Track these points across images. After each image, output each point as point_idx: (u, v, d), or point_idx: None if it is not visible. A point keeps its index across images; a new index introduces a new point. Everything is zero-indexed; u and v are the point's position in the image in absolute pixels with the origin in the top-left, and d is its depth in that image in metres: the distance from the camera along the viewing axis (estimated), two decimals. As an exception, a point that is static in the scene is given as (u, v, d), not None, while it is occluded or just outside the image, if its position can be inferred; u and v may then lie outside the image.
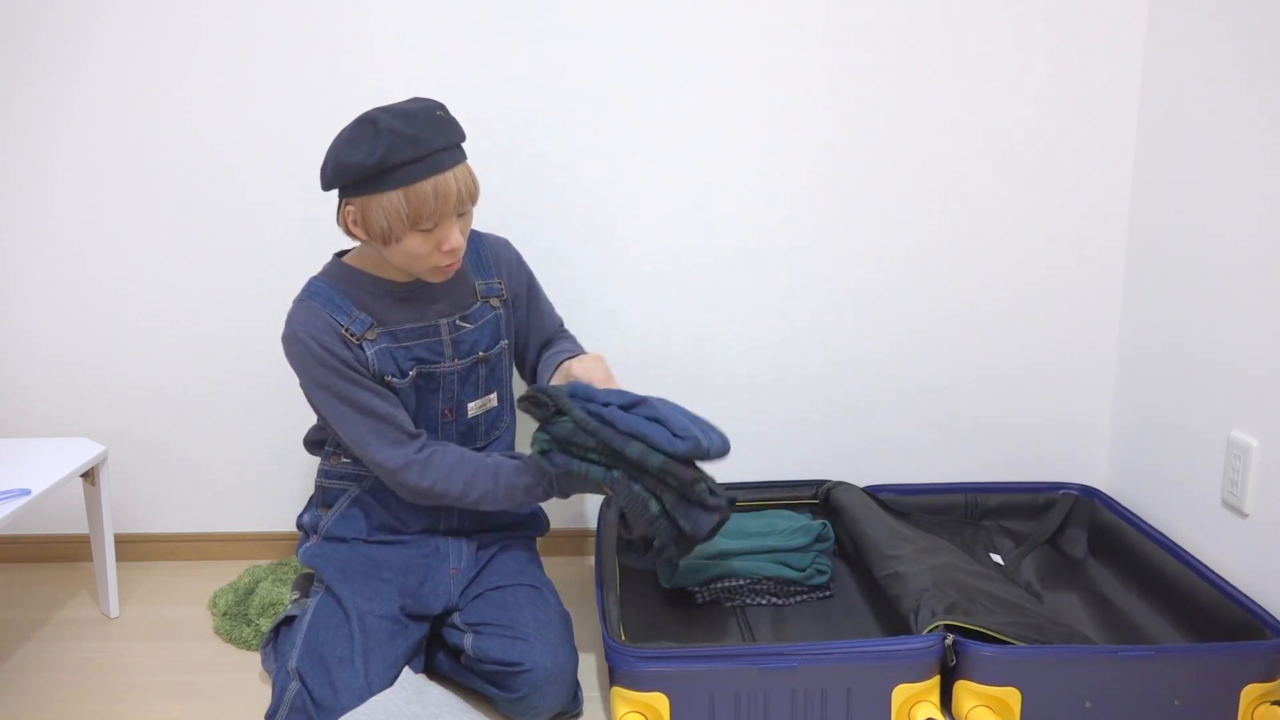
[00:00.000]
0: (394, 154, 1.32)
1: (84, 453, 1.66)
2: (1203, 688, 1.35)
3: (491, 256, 1.60)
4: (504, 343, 1.60)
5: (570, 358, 1.57)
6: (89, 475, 1.67)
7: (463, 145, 1.41)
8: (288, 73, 1.80)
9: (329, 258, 1.86)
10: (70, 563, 1.97)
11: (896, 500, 1.92)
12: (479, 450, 1.58)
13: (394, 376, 1.47)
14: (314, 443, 1.61)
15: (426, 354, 1.50)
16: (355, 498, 1.56)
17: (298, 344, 1.42)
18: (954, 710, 1.39)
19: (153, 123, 1.81)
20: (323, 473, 1.59)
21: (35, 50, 1.78)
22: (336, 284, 1.47)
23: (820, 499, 1.93)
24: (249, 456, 1.94)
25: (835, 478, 2.00)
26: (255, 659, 1.61)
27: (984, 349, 1.96)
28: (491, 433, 1.62)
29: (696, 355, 1.95)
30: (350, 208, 1.38)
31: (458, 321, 1.53)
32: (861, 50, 1.83)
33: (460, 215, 1.40)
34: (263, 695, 1.51)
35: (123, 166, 1.83)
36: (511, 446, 1.68)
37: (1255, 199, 1.54)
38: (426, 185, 1.34)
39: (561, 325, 1.74)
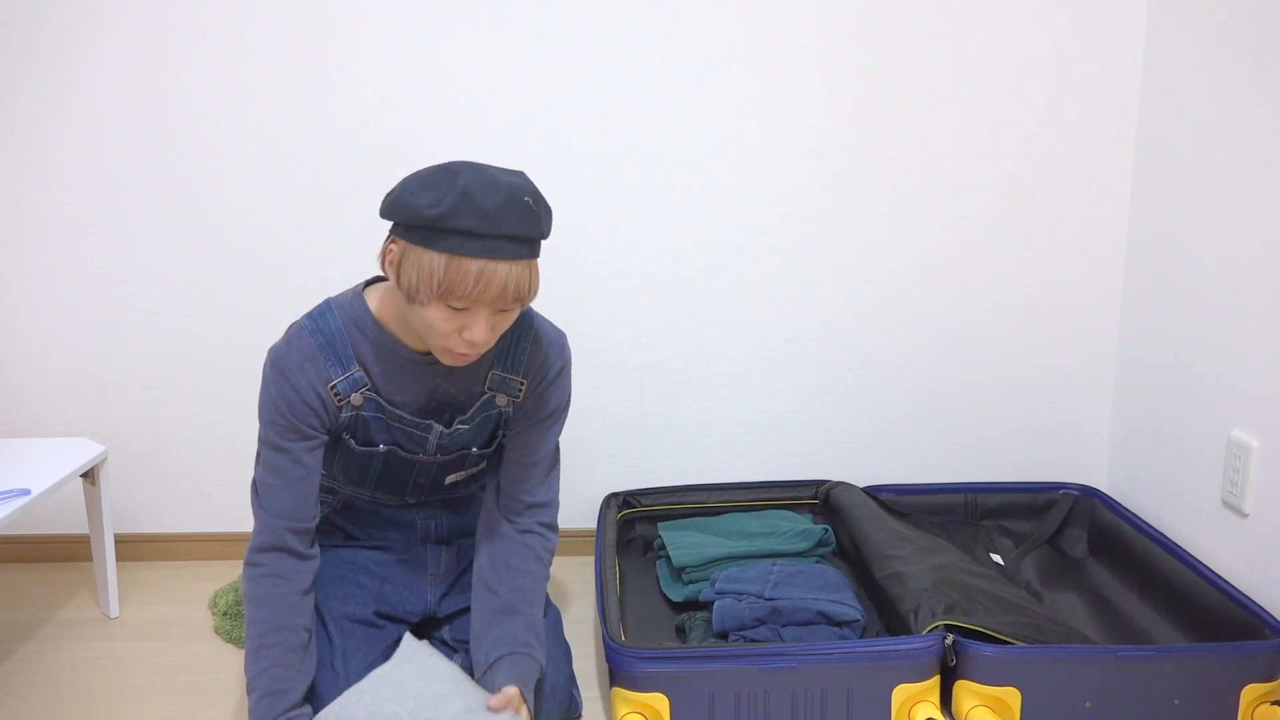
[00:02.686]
0: (456, 218, 1.16)
1: (84, 453, 1.66)
2: (1203, 688, 1.35)
3: (532, 355, 1.39)
4: (500, 441, 1.46)
5: (501, 661, 1.32)
6: (89, 475, 1.67)
7: (538, 242, 1.23)
8: (289, 74, 1.80)
9: (329, 259, 1.87)
10: (70, 563, 1.96)
11: (896, 500, 1.92)
12: (456, 496, 1.52)
13: (355, 441, 1.38)
14: None
15: (405, 442, 1.39)
16: (324, 517, 1.53)
17: (276, 377, 1.31)
18: (954, 710, 1.39)
19: (153, 123, 1.81)
20: None
21: (35, 51, 1.78)
22: (349, 327, 1.33)
23: (820, 499, 1.93)
24: (248, 457, 1.94)
25: (835, 478, 2.00)
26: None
27: (984, 350, 1.96)
28: (470, 485, 1.54)
29: (697, 355, 1.95)
30: (394, 246, 1.23)
31: (456, 425, 1.39)
32: (862, 53, 1.83)
33: (500, 311, 1.24)
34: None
35: (123, 167, 1.83)
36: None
37: (1254, 200, 1.54)
38: (473, 265, 1.17)
39: (546, 506, 1.44)
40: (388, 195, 1.24)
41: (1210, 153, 1.65)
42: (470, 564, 1.53)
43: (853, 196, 1.89)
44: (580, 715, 1.46)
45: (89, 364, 1.90)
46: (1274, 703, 1.37)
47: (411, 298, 1.22)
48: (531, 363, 1.39)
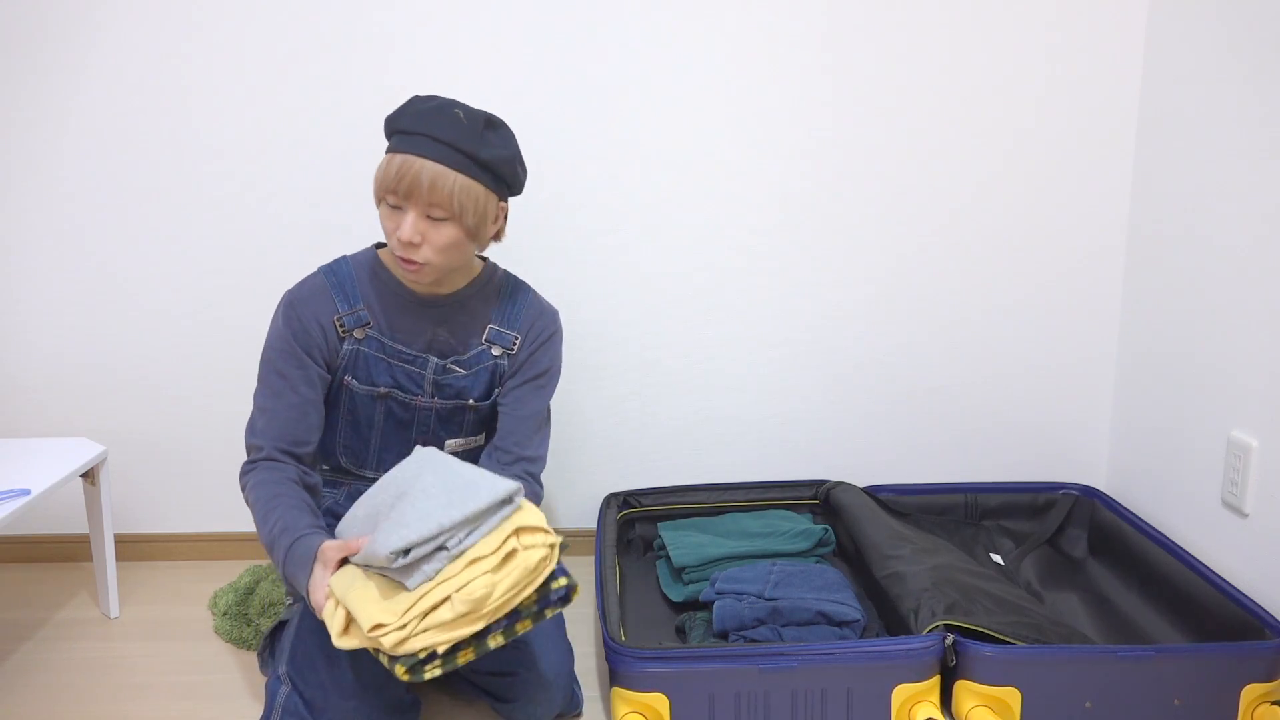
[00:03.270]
0: (400, 118, 1.34)
1: (84, 453, 1.66)
2: (1203, 688, 1.35)
3: (526, 316, 1.51)
4: (498, 394, 1.53)
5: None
6: (89, 475, 1.67)
7: (470, 158, 1.33)
8: (288, 72, 1.80)
9: (331, 258, 1.87)
10: (70, 563, 1.96)
11: (896, 500, 1.92)
12: None
13: (357, 381, 1.45)
14: None
15: (405, 380, 1.47)
16: (327, 509, 1.53)
17: (286, 309, 1.42)
18: (954, 710, 1.39)
19: (153, 122, 1.81)
20: None
21: (35, 52, 1.78)
22: (358, 270, 1.46)
23: (820, 499, 1.93)
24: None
25: (835, 478, 2.00)
26: (255, 659, 1.61)
27: (984, 349, 1.96)
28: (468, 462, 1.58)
29: (697, 355, 1.95)
30: None
31: (449, 365, 1.48)
32: (862, 52, 1.83)
33: (430, 219, 1.33)
34: (262, 696, 1.51)
35: (123, 166, 1.83)
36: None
37: (1255, 200, 1.54)
38: (398, 158, 1.32)
39: (535, 460, 1.52)
40: None
41: (1210, 152, 1.65)
42: None
43: (853, 196, 1.89)
44: (581, 712, 1.46)
45: (89, 364, 1.90)
46: (1274, 703, 1.37)
47: (376, 204, 1.37)
48: (526, 321, 1.51)
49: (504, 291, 1.52)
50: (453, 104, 1.34)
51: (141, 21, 1.77)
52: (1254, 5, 1.53)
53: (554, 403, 1.95)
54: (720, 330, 1.94)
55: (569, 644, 1.45)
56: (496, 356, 1.50)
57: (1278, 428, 1.50)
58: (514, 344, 1.50)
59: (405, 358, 1.46)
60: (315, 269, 1.48)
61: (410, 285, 1.44)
